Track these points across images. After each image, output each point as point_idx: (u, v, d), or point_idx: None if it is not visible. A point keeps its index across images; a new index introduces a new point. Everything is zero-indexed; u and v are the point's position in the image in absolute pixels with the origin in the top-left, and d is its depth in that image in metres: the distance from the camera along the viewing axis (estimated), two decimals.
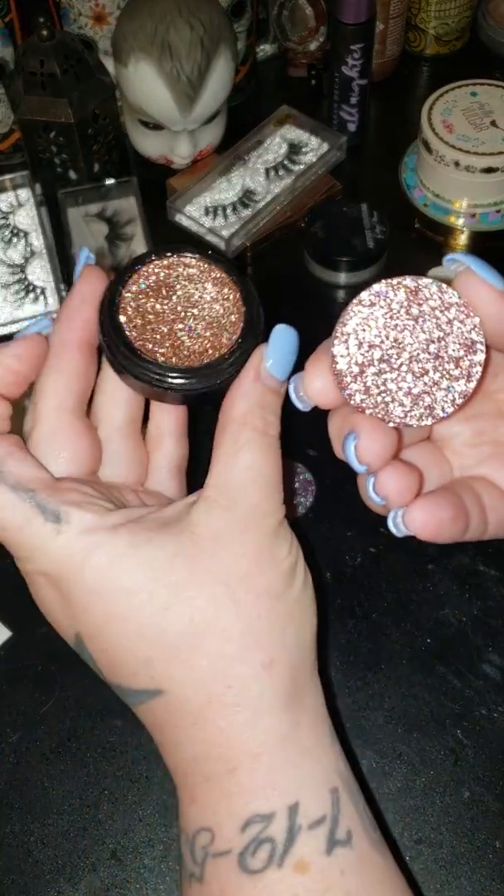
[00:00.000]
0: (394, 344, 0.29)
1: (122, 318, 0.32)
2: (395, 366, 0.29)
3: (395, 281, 0.29)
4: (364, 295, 0.29)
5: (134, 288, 0.33)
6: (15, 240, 0.65)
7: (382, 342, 0.29)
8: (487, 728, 0.46)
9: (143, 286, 0.33)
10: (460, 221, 0.65)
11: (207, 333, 0.33)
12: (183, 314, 0.33)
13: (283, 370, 0.32)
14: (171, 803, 0.44)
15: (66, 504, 0.30)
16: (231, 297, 0.33)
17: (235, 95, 0.71)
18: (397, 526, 0.31)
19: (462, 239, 0.65)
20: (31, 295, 0.63)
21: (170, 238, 0.67)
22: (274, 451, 0.32)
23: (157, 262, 0.33)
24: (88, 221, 0.67)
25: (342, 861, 0.30)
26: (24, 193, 0.66)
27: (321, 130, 0.70)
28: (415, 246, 0.67)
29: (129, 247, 0.66)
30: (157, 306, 0.33)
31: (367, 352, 0.29)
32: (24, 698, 0.48)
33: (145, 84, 0.63)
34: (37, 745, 0.46)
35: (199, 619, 0.30)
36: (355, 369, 0.29)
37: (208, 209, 0.67)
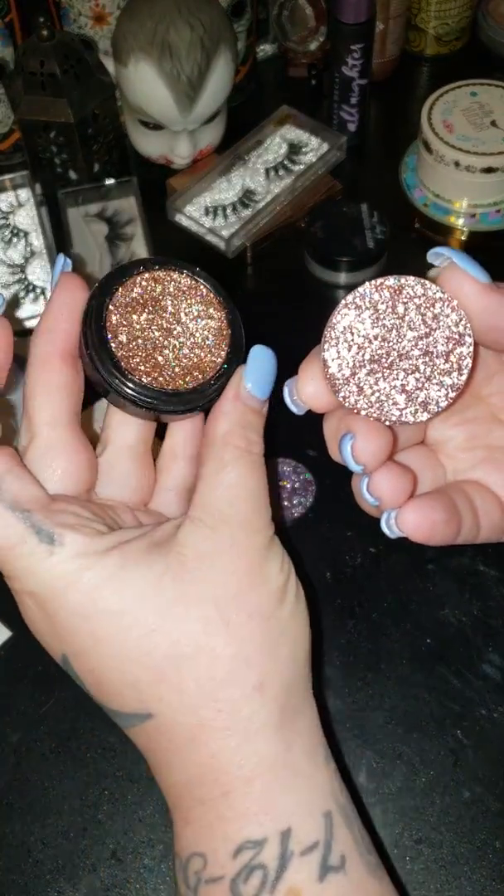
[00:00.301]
0: (383, 343, 0.29)
1: (108, 334, 0.32)
2: (386, 365, 0.29)
3: (378, 281, 0.29)
4: (349, 298, 0.29)
5: (120, 300, 0.32)
6: (15, 240, 0.65)
7: (371, 342, 0.29)
8: (487, 728, 0.46)
9: (128, 299, 0.32)
10: (460, 221, 0.65)
11: (192, 354, 0.33)
12: (168, 332, 0.33)
13: (262, 390, 0.32)
14: None
15: (61, 526, 0.30)
16: (216, 317, 0.33)
17: (235, 95, 0.71)
18: (390, 527, 0.31)
19: (462, 239, 0.65)
20: (31, 295, 0.64)
21: (170, 238, 0.67)
22: (259, 469, 0.32)
23: (143, 274, 0.33)
24: (88, 221, 0.67)
25: (335, 888, 0.30)
26: (24, 193, 0.66)
27: (321, 130, 0.70)
28: (415, 246, 0.67)
29: (129, 247, 0.66)
30: (143, 322, 0.32)
31: (358, 353, 0.29)
32: (24, 698, 0.48)
33: (145, 84, 0.63)
34: (37, 745, 0.46)
35: (186, 641, 0.29)
36: (347, 371, 0.29)
37: (208, 209, 0.67)
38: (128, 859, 0.43)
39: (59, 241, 0.66)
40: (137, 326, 0.32)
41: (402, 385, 0.29)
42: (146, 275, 0.33)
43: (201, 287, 0.33)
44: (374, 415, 0.30)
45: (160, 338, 0.32)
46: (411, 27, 0.78)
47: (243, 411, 0.32)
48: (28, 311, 0.63)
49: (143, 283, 0.33)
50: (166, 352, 0.32)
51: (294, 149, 0.70)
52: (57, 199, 0.67)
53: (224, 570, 0.30)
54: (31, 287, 0.64)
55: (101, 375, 0.31)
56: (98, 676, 0.30)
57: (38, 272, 0.64)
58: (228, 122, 0.71)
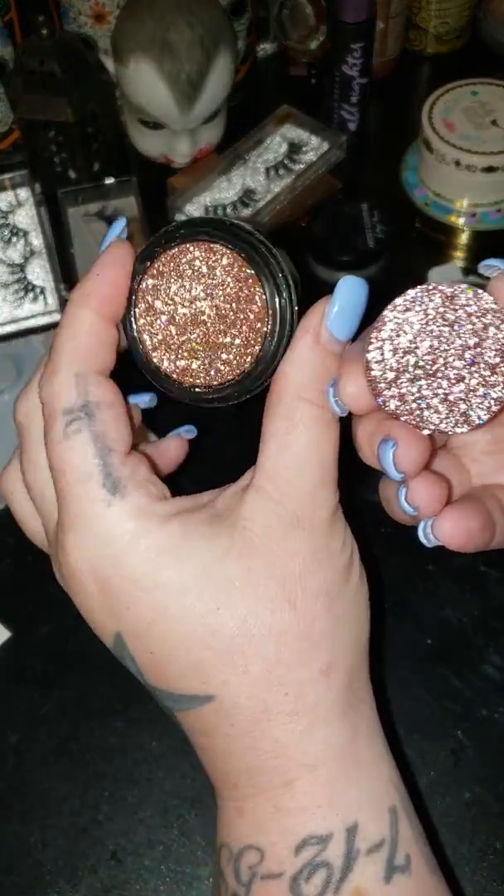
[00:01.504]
0: (429, 350, 0.28)
1: (140, 323, 0.30)
2: (431, 372, 0.29)
3: (430, 286, 0.28)
4: (399, 300, 0.28)
5: (149, 283, 0.29)
6: (14, 239, 0.65)
7: (417, 348, 0.28)
8: (488, 729, 0.46)
9: (156, 282, 0.30)
10: (461, 220, 0.65)
11: (235, 342, 0.30)
12: (203, 316, 0.30)
13: (347, 329, 0.28)
14: (171, 804, 0.44)
15: (130, 479, 0.28)
16: (257, 297, 0.29)
17: (235, 94, 0.71)
18: (427, 536, 0.30)
19: (463, 238, 0.65)
20: (31, 294, 0.63)
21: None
22: (333, 431, 0.29)
23: (169, 250, 0.29)
24: (88, 221, 0.67)
25: (401, 890, 0.28)
26: (23, 193, 0.66)
27: (321, 129, 0.70)
28: (416, 245, 0.67)
29: None
30: (175, 308, 0.30)
31: (402, 358, 0.28)
32: (23, 699, 0.48)
33: (145, 83, 0.63)
34: (37, 746, 0.46)
35: (254, 621, 0.28)
36: (390, 375, 0.28)
37: (208, 208, 0.67)
38: (128, 860, 0.43)
39: (59, 240, 0.66)
40: (169, 314, 0.30)
41: (445, 394, 0.29)
42: (171, 251, 0.29)
43: (238, 261, 0.29)
44: (414, 422, 0.29)
45: (194, 324, 0.30)
46: (412, 26, 0.78)
47: (322, 358, 0.28)
48: (27, 310, 0.63)
49: (171, 260, 0.30)
50: (199, 344, 0.30)
51: (294, 148, 0.70)
52: (56, 199, 0.67)
53: (290, 548, 0.28)
54: (30, 286, 0.64)
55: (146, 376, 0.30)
56: (158, 657, 0.28)
57: (38, 272, 0.64)
58: (228, 121, 0.71)
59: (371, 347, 0.29)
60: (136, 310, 0.30)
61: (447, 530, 0.29)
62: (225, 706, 0.28)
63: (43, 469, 0.30)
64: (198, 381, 0.30)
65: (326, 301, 0.28)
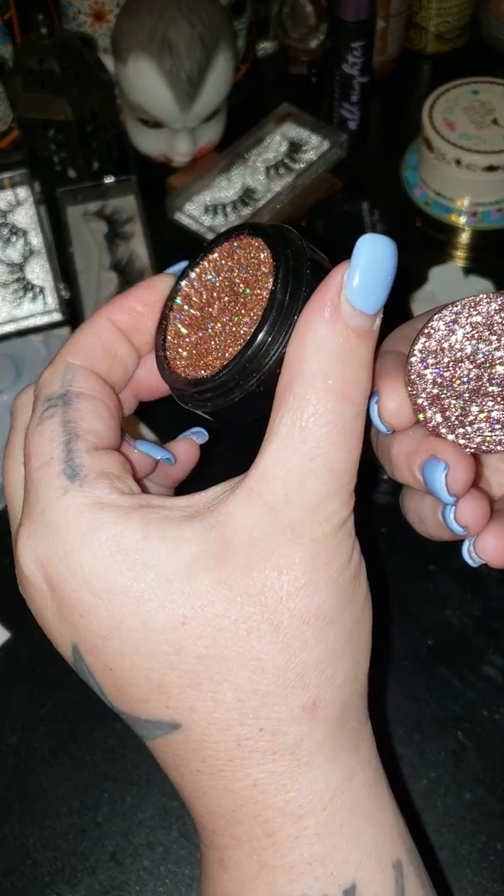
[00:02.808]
0: (473, 366, 0.27)
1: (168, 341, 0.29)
2: (474, 388, 0.27)
3: (476, 299, 0.27)
4: (444, 312, 0.27)
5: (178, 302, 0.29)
6: (14, 238, 0.65)
7: (461, 363, 0.27)
8: (489, 729, 0.45)
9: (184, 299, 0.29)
10: (462, 220, 0.65)
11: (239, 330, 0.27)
12: (220, 306, 0.28)
13: (374, 299, 0.23)
14: (170, 806, 0.44)
15: (93, 468, 0.25)
16: (266, 284, 0.27)
17: (235, 93, 0.70)
18: (472, 556, 0.28)
19: (464, 237, 0.65)
20: (30, 294, 0.63)
21: (169, 237, 0.67)
22: (353, 431, 0.24)
23: (194, 275, 0.29)
24: (87, 220, 0.67)
25: None
26: (22, 192, 0.66)
27: (322, 128, 0.70)
28: (416, 245, 0.66)
29: (128, 245, 0.66)
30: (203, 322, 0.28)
31: (446, 372, 0.27)
32: (22, 700, 0.48)
33: (145, 82, 0.63)
34: (36, 746, 0.46)
35: (226, 643, 0.24)
36: (433, 391, 0.27)
37: (208, 207, 0.67)
38: (127, 861, 0.43)
39: (58, 239, 0.65)
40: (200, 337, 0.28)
41: (489, 412, 0.28)
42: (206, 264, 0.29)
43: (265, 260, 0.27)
44: (459, 440, 0.28)
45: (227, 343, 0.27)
46: (412, 25, 0.78)
47: (345, 336, 0.24)
48: (27, 310, 0.63)
49: (205, 277, 0.29)
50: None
51: (294, 147, 0.70)
52: (56, 198, 0.67)
53: (276, 564, 0.24)
54: (29, 286, 0.63)
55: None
56: (117, 675, 0.25)
57: (37, 271, 0.64)
58: (228, 119, 0.70)
59: (413, 361, 0.27)
60: (167, 332, 0.29)
61: (491, 548, 0.27)
62: (194, 737, 0.25)
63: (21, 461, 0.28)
64: (201, 377, 0.27)
65: (344, 266, 0.23)
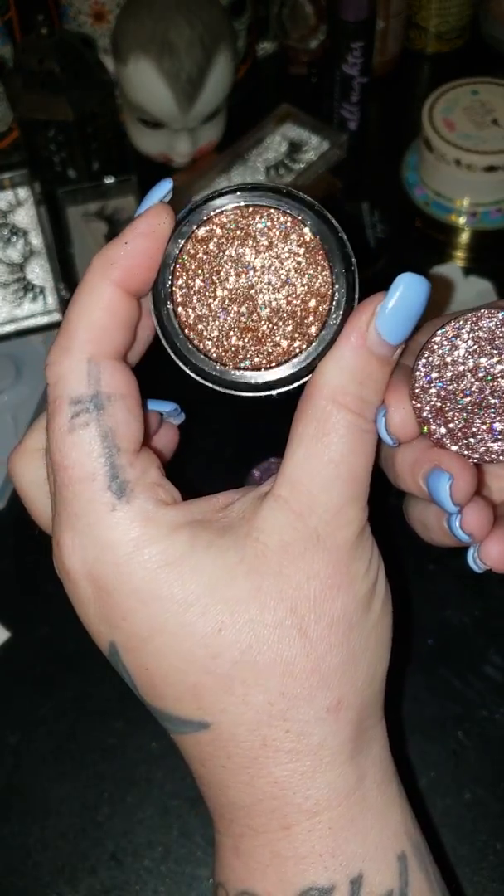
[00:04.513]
0: (475, 379, 0.28)
1: (178, 298, 0.27)
2: (478, 400, 0.28)
3: (477, 315, 0.28)
4: (446, 329, 0.28)
5: (192, 251, 0.26)
6: (14, 239, 0.65)
7: (463, 377, 0.28)
8: (489, 729, 0.45)
9: (201, 251, 0.27)
10: (462, 220, 0.65)
11: (289, 322, 0.27)
12: (255, 290, 0.27)
13: (399, 332, 0.26)
14: (170, 805, 0.44)
15: (139, 481, 0.26)
16: (321, 276, 0.27)
17: (235, 93, 0.70)
18: (476, 562, 0.29)
19: (463, 237, 0.65)
20: (30, 294, 0.63)
21: None
22: (370, 441, 0.27)
23: (224, 214, 0.26)
24: (88, 220, 0.67)
25: None
26: (23, 192, 0.66)
27: (322, 128, 0.70)
28: (416, 244, 0.67)
29: None
30: (223, 281, 0.27)
31: (449, 385, 0.28)
32: (23, 700, 0.48)
33: (145, 82, 0.63)
34: (36, 746, 0.46)
35: (259, 648, 0.25)
36: (437, 403, 0.28)
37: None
38: (127, 861, 0.43)
39: (59, 240, 0.65)
40: (210, 288, 0.27)
41: (491, 423, 0.28)
42: (227, 215, 0.27)
43: (296, 225, 0.27)
44: (463, 451, 0.28)
45: (244, 299, 0.27)
46: (412, 25, 0.78)
47: (367, 361, 0.26)
48: (27, 310, 0.63)
49: (224, 224, 0.27)
50: (252, 320, 0.27)
51: (294, 147, 0.70)
52: (56, 198, 0.67)
53: (307, 570, 0.26)
54: (29, 286, 0.63)
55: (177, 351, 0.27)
56: (152, 675, 0.26)
57: (37, 271, 0.64)
58: (228, 120, 0.70)
59: (417, 375, 0.28)
60: (174, 281, 0.27)
61: (495, 554, 0.28)
62: (222, 736, 0.26)
63: None
64: (243, 362, 0.27)
65: (380, 297, 0.26)
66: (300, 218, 0.27)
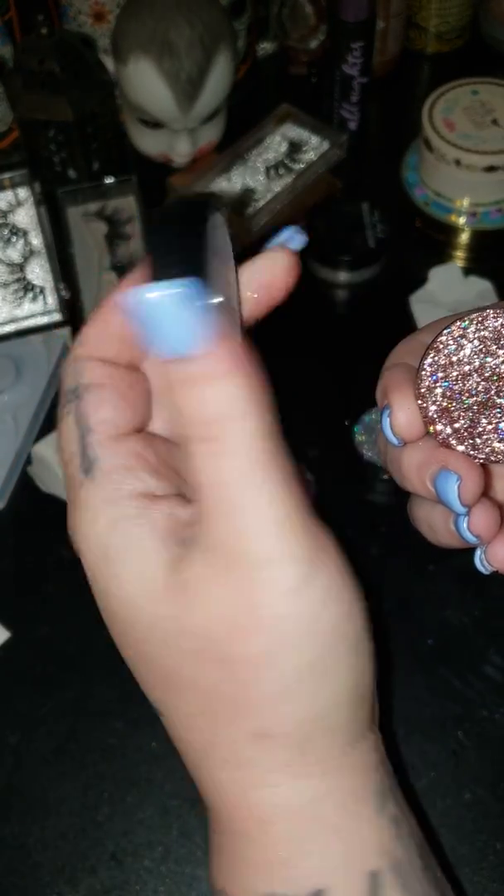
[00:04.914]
0: (481, 379, 0.28)
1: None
2: (484, 401, 0.28)
3: (483, 315, 0.28)
4: (452, 328, 0.28)
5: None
6: (14, 239, 0.65)
7: (469, 377, 0.28)
8: (489, 729, 0.45)
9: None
10: (462, 220, 0.65)
11: None
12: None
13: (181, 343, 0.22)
14: (170, 805, 0.44)
15: (105, 461, 0.26)
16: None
17: (235, 94, 0.70)
18: (483, 564, 0.29)
19: (463, 238, 0.65)
20: (31, 294, 0.63)
21: None
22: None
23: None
24: (88, 220, 0.67)
25: None
26: (23, 192, 0.66)
27: (322, 129, 0.70)
28: (416, 245, 0.67)
29: (128, 246, 0.66)
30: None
31: (455, 385, 0.28)
32: (23, 700, 0.48)
33: (145, 82, 0.63)
34: (36, 746, 0.46)
35: (182, 664, 0.25)
36: (443, 404, 0.28)
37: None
38: (127, 861, 0.43)
39: (59, 240, 0.65)
40: None
41: (497, 423, 0.28)
42: None
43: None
44: (469, 451, 0.28)
45: None
46: (412, 25, 0.78)
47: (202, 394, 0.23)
48: (27, 310, 0.63)
49: None
50: None
51: (294, 147, 0.70)
52: (56, 198, 0.67)
53: (219, 598, 0.24)
54: (29, 286, 0.63)
55: None
56: (124, 653, 0.27)
57: (37, 271, 0.64)
58: (228, 120, 0.70)
59: (423, 375, 0.28)
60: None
61: (502, 557, 0.28)
62: (172, 730, 0.27)
63: None
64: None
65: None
66: None
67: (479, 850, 0.42)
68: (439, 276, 0.62)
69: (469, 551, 0.50)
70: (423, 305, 0.60)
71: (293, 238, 0.28)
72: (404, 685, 0.47)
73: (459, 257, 0.65)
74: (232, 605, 0.24)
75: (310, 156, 0.69)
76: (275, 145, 0.70)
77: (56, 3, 0.68)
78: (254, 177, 0.68)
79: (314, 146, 0.70)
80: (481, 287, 0.62)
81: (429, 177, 0.65)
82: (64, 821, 0.44)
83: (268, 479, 0.23)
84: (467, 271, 0.63)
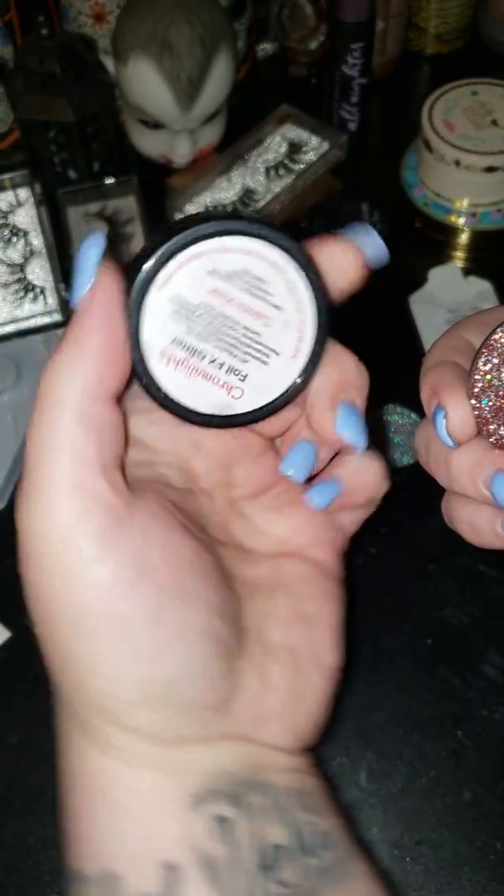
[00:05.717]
0: None
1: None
2: None
3: None
4: None
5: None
6: (14, 239, 0.65)
7: None
8: (488, 729, 0.46)
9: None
10: (461, 221, 0.65)
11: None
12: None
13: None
14: None
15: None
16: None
17: (235, 94, 0.71)
18: None
19: (463, 238, 0.65)
20: (31, 294, 0.63)
21: None
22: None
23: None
24: (88, 221, 0.67)
25: None
26: (23, 193, 0.66)
27: (321, 129, 0.70)
28: (415, 245, 0.67)
29: (128, 246, 0.66)
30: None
31: None
32: (23, 699, 0.48)
33: (145, 83, 0.63)
34: (36, 746, 0.46)
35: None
36: (497, 403, 0.28)
37: (208, 208, 0.67)
38: None
39: (59, 240, 0.66)
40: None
41: None
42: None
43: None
44: None
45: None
46: (412, 26, 0.78)
47: None
48: (27, 310, 0.63)
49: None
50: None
51: (294, 148, 0.70)
52: (56, 199, 0.67)
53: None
54: (30, 287, 0.64)
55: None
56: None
57: (38, 272, 0.64)
58: (228, 120, 0.70)
59: (476, 374, 0.28)
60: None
61: None
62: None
63: None
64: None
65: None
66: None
67: (479, 849, 0.42)
68: (439, 276, 0.62)
69: (468, 551, 0.50)
70: (423, 306, 0.60)
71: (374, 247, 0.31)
72: (404, 685, 0.47)
73: (459, 258, 0.65)
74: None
75: (310, 156, 0.69)
76: (275, 146, 0.70)
77: (56, 3, 0.68)
78: (254, 177, 0.69)
79: (314, 147, 0.70)
80: (481, 287, 0.62)
81: (428, 177, 0.65)
82: None
83: (66, 441, 0.25)
84: (467, 272, 0.63)
